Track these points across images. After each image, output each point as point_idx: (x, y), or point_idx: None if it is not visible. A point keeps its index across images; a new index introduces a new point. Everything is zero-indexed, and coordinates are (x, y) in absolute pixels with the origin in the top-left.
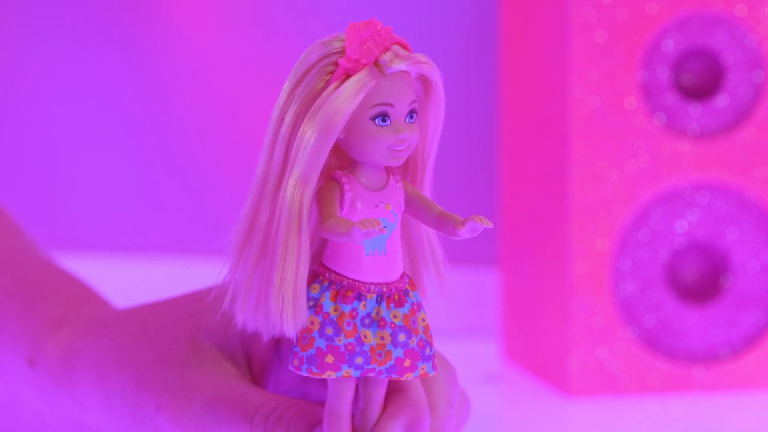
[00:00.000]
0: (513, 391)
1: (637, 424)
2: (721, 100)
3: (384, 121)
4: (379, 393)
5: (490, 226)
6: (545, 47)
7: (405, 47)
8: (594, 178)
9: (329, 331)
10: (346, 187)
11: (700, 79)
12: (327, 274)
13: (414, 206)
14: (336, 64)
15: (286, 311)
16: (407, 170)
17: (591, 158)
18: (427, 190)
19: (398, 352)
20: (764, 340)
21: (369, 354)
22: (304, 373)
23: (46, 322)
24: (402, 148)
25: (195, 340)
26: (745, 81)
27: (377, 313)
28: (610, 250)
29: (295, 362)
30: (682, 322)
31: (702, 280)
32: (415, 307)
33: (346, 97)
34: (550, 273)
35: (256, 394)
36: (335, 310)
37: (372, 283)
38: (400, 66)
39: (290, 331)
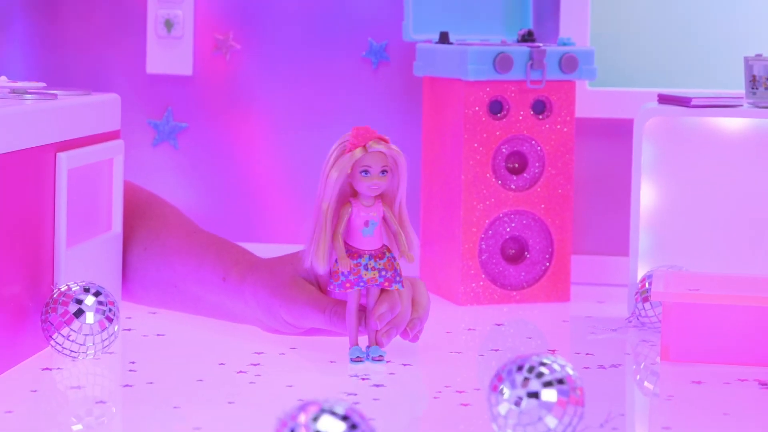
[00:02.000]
0: None
1: (487, 318)
2: (526, 174)
3: (366, 173)
4: (374, 292)
5: (412, 260)
6: (450, 142)
7: (384, 140)
8: (471, 208)
9: (346, 272)
10: (354, 205)
11: (517, 165)
12: (346, 245)
13: (385, 219)
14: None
15: (315, 261)
16: (386, 198)
17: (471, 197)
18: (396, 209)
19: (381, 279)
20: (542, 280)
21: (365, 281)
22: (338, 291)
23: (231, 260)
24: (375, 188)
25: (296, 276)
26: (536, 167)
27: (371, 263)
28: (479, 238)
29: (331, 287)
30: (507, 271)
31: (516, 253)
32: (391, 259)
33: (348, 160)
34: (448, 250)
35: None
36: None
37: (365, 249)
38: (377, 148)
39: (319, 271)
